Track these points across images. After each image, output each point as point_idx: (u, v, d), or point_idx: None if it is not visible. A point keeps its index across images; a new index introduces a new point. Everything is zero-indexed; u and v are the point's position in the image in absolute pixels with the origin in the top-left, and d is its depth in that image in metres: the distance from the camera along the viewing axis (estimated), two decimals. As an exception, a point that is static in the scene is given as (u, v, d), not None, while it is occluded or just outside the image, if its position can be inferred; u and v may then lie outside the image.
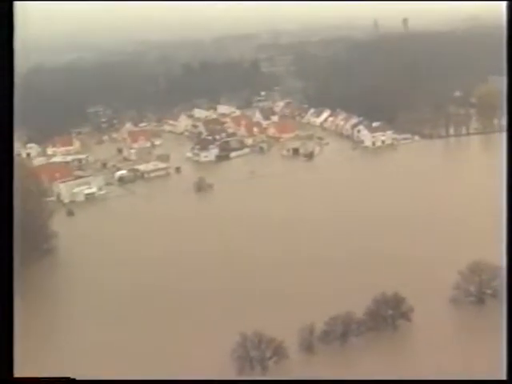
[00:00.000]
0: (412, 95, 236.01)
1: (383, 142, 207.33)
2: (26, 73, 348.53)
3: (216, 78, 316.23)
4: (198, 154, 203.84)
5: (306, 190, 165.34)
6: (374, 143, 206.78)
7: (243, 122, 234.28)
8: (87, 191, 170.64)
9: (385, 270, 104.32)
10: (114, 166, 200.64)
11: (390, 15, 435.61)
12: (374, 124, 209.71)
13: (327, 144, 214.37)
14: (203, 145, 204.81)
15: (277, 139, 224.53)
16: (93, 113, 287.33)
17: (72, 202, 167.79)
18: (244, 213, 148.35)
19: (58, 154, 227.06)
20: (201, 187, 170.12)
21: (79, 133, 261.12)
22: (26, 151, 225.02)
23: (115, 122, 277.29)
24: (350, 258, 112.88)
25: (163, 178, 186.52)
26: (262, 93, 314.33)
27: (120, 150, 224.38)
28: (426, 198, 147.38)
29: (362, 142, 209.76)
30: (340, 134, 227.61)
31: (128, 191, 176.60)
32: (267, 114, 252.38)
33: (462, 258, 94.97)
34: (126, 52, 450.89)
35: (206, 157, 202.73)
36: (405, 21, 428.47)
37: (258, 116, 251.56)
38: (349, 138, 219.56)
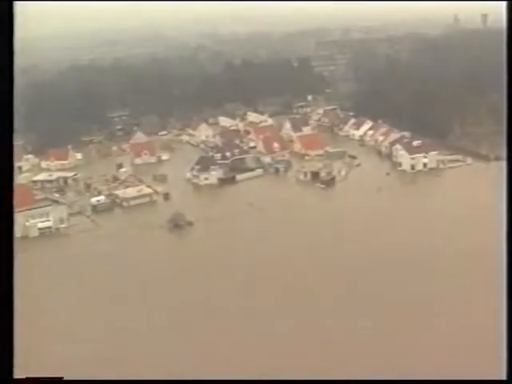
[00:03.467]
0: (474, 106, 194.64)
1: (425, 165, 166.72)
2: (36, 73, 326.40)
3: (259, 77, 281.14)
4: (197, 176, 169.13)
5: (313, 230, 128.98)
6: (413, 167, 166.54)
7: (266, 135, 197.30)
8: (41, 225, 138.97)
9: None
10: (95, 188, 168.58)
11: (468, 10, 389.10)
12: (415, 142, 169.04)
13: (358, 166, 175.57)
14: (204, 164, 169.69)
15: (302, 156, 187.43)
16: (111, 118, 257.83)
17: (24, 237, 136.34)
18: (224, 260, 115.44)
19: (52, 168, 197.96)
20: (177, 225, 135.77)
21: (91, 141, 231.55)
22: (19, 164, 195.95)
23: (135, 129, 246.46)
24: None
25: (144, 208, 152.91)
26: (309, 97, 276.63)
27: (120, 166, 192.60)
28: (475, 242, 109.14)
29: (400, 164, 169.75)
30: (379, 152, 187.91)
31: (94, 225, 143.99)
32: (299, 124, 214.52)
33: None
34: (153, 49, 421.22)
35: (206, 179, 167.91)
36: (484, 17, 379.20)
37: (287, 127, 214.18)
38: (388, 157, 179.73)
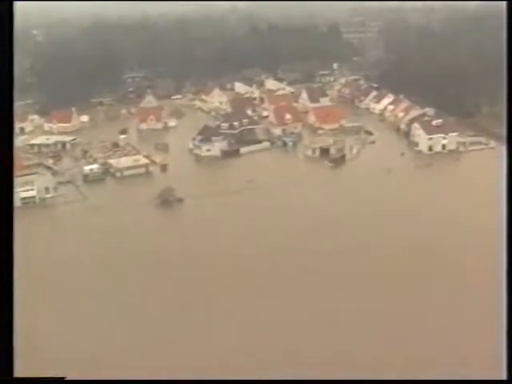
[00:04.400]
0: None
1: (444, 146, 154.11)
2: (60, 28, 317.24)
3: (284, 43, 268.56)
4: (199, 147, 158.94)
5: (312, 213, 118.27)
6: (430, 147, 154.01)
7: (279, 105, 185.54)
8: (24, 194, 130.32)
9: None
10: (91, 156, 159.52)
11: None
12: (435, 122, 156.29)
13: (373, 143, 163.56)
14: (207, 134, 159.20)
15: (315, 130, 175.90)
16: (126, 79, 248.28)
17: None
18: (211, 244, 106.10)
19: (54, 131, 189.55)
20: (166, 201, 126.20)
21: (100, 103, 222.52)
22: (22, 124, 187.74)
23: (149, 91, 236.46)
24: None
25: (138, 180, 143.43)
26: (335, 65, 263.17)
27: (123, 131, 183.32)
28: (487, 241, 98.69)
29: (417, 144, 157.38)
30: (397, 129, 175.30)
31: (82, 197, 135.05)
32: (317, 94, 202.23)
33: None
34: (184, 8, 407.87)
35: (208, 151, 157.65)
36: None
37: (304, 97, 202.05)
38: (406, 135, 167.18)
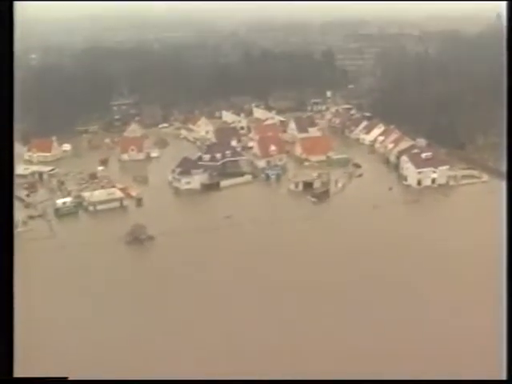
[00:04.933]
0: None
1: (434, 180, 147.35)
2: (50, 55, 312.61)
3: (277, 69, 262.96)
4: (178, 180, 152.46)
5: (292, 254, 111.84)
6: (419, 182, 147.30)
7: (263, 135, 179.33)
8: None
9: None
10: (65, 188, 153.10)
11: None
12: (425, 154, 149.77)
13: (360, 176, 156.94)
14: (186, 167, 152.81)
15: (301, 161, 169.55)
16: (114, 106, 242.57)
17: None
18: (180, 285, 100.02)
19: (34, 160, 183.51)
20: (136, 239, 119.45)
21: (86, 131, 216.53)
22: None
23: (137, 119, 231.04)
24: None
25: (110, 215, 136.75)
26: (328, 93, 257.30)
27: (104, 162, 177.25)
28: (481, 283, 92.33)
29: (406, 178, 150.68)
30: (386, 162, 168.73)
31: (50, 232, 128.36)
32: (306, 124, 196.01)
33: None
34: (168, 36, 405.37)
35: (187, 183, 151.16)
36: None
37: (292, 127, 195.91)
38: (396, 168, 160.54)
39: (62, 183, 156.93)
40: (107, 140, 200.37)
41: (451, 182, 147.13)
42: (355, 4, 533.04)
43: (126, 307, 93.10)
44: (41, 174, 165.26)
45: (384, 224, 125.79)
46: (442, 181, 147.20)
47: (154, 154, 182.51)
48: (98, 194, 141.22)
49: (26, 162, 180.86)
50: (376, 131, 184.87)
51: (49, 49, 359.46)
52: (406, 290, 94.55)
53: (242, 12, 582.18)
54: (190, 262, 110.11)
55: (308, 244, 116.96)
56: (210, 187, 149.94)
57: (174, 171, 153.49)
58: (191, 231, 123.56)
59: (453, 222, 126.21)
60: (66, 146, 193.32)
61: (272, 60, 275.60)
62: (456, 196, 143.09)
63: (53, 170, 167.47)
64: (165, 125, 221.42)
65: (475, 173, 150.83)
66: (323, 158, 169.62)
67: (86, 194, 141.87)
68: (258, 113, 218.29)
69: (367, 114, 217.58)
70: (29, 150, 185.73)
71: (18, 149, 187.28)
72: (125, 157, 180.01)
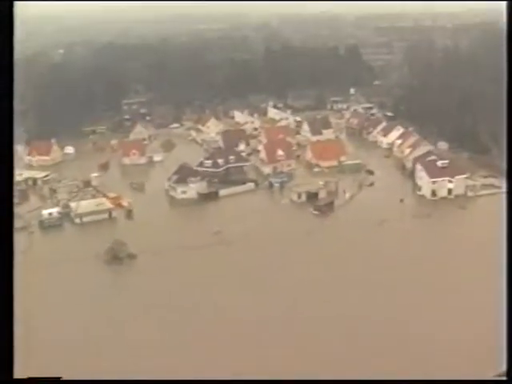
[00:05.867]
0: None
1: (450, 191, 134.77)
2: (75, 49, 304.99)
3: (299, 65, 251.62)
4: (174, 188, 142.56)
5: (286, 276, 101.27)
6: (434, 192, 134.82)
7: (270, 139, 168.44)
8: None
9: None
10: (55, 197, 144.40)
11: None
12: (441, 162, 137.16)
13: (371, 185, 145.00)
14: (183, 174, 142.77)
15: (311, 167, 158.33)
16: (125, 105, 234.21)
17: None
18: (158, 309, 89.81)
19: (33, 164, 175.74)
20: (115, 257, 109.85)
21: (93, 132, 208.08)
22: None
23: (148, 118, 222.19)
24: None
25: (97, 227, 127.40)
26: (352, 90, 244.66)
27: (104, 167, 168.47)
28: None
29: (420, 188, 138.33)
30: (402, 168, 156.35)
31: (29, 247, 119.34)
32: (320, 126, 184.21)
33: None
34: (187, 31, 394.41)
35: (183, 193, 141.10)
36: None
37: (305, 128, 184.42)
38: (411, 175, 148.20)
39: (53, 191, 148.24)
40: (113, 142, 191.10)
41: (469, 193, 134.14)
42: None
43: (102, 330, 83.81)
44: (35, 180, 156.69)
45: (389, 242, 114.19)
46: (460, 191, 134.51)
47: (156, 158, 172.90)
48: (86, 205, 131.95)
49: (25, 167, 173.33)
50: (394, 133, 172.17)
51: (74, 44, 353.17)
52: (412, 317, 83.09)
53: (275, 4, 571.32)
54: (171, 284, 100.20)
55: (303, 265, 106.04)
56: (208, 197, 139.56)
57: (170, 179, 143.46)
58: (177, 249, 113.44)
59: (467, 239, 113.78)
60: (69, 149, 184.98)
61: (294, 55, 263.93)
62: (473, 209, 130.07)
63: (47, 176, 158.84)
64: (176, 125, 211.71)
65: (495, 181, 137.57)
66: (335, 163, 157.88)
67: (73, 205, 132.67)
68: (272, 113, 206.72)
69: (389, 114, 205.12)
70: (29, 154, 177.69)
71: (20, 152, 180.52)
72: (126, 161, 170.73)
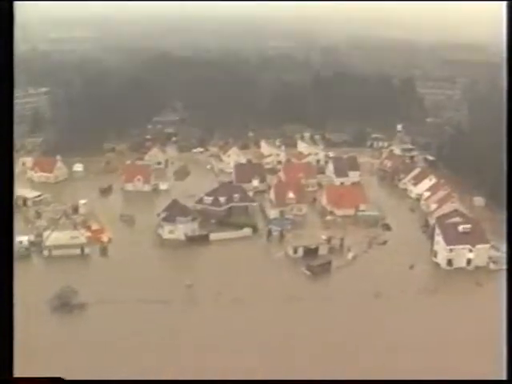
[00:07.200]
0: None
1: (469, 261, 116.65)
2: (95, 65, 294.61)
3: (347, 94, 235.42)
4: (162, 226, 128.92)
5: (260, 349, 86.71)
6: (450, 262, 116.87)
7: (281, 179, 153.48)
8: None
9: None
10: (34, 223, 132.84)
11: None
12: (463, 227, 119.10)
13: (383, 244, 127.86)
14: (173, 211, 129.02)
15: (323, 215, 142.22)
16: (154, 123, 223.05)
17: None
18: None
19: (35, 180, 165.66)
20: (65, 304, 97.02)
21: (112, 149, 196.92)
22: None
23: (174, 139, 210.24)
24: None
25: (64, 264, 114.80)
26: (399, 126, 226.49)
27: (106, 191, 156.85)
28: None
29: (435, 254, 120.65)
30: (425, 225, 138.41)
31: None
32: (346, 166, 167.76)
33: None
34: (252, 46, 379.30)
35: (170, 233, 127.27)
36: None
37: (330, 168, 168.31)
38: (432, 237, 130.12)
39: (39, 215, 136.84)
40: (128, 162, 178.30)
41: (492, 266, 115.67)
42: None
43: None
44: (25, 200, 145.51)
45: (378, 322, 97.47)
46: (481, 262, 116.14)
47: (162, 187, 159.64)
48: (58, 237, 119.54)
49: (28, 181, 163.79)
50: (425, 183, 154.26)
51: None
52: None
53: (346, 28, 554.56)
54: (122, 341, 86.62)
55: (286, 338, 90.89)
56: (196, 240, 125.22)
57: (159, 215, 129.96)
58: (135, 302, 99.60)
59: (474, 330, 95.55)
60: (78, 167, 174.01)
61: (342, 83, 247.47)
62: (492, 286, 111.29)
63: (39, 196, 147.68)
64: (200, 149, 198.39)
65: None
66: (351, 211, 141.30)
67: (45, 234, 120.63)
68: (302, 146, 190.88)
69: (429, 158, 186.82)
70: (32, 169, 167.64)
71: (27, 164, 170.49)
72: (129, 187, 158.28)
